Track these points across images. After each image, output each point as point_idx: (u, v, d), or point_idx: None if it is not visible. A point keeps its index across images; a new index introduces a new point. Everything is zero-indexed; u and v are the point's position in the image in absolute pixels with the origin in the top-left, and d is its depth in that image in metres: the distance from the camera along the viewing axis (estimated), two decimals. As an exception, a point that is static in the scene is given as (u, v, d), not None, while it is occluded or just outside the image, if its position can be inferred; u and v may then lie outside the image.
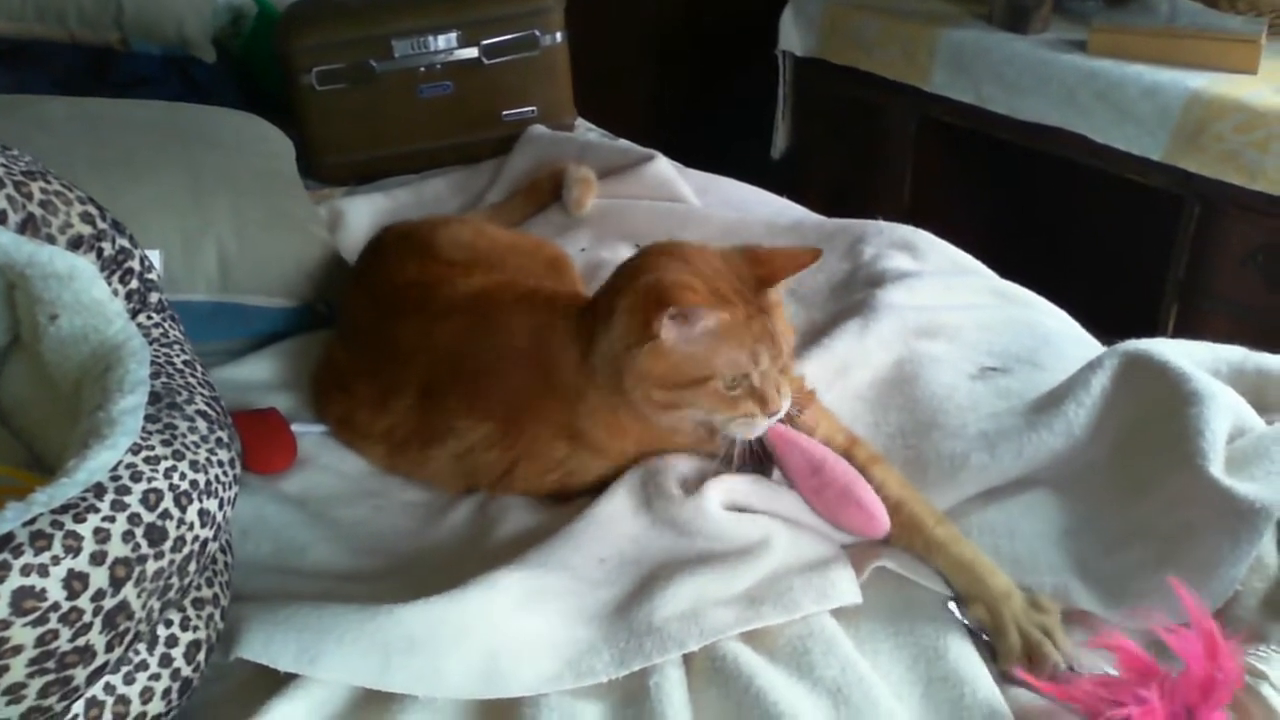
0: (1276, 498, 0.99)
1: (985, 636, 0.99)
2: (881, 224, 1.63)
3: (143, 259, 1.07)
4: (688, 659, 0.95)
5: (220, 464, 0.90)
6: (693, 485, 1.10)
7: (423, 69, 1.94)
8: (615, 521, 1.07)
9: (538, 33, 1.97)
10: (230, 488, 0.91)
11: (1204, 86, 2.15)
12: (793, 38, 2.90)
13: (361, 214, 1.77)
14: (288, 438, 1.23)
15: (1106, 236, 2.73)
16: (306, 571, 1.07)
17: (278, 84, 2.00)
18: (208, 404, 0.96)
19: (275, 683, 0.90)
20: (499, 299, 1.26)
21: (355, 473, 1.24)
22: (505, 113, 2.01)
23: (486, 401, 1.19)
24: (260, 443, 1.20)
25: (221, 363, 1.40)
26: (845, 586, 1.02)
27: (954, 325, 1.38)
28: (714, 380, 1.04)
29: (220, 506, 0.88)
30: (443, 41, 1.93)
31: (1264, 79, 2.17)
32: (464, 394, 1.20)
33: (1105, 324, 1.49)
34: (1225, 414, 1.08)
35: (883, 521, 1.06)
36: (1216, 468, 1.02)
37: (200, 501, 0.84)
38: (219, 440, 0.92)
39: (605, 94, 2.52)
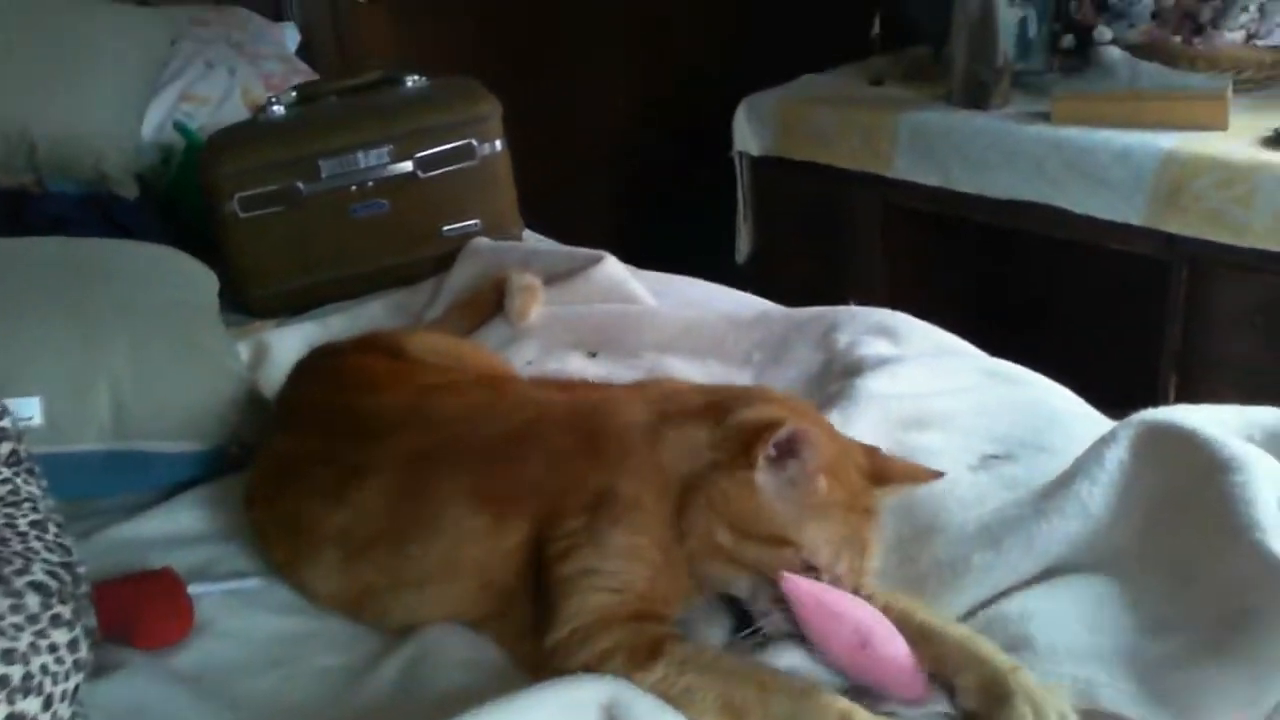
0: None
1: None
2: (855, 309, 1.49)
3: (-7, 407, 0.91)
4: None
5: (53, 649, 0.72)
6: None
7: (354, 188, 1.83)
8: (591, 693, 0.86)
9: (475, 142, 1.86)
10: (68, 678, 0.73)
11: (1177, 146, 2.07)
12: (748, 137, 2.83)
13: (290, 345, 1.62)
14: (183, 603, 1.05)
15: (1096, 309, 2.61)
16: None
17: (205, 217, 1.87)
18: (50, 574, 0.79)
19: None
20: (512, 378, 1.18)
21: (263, 636, 1.05)
22: (446, 228, 1.88)
23: (497, 481, 1.02)
24: (148, 612, 1.03)
25: (119, 519, 1.22)
26: None
27: (946, 412, 1.22)
28: (791, 549, 0.91)
29: (48, 705, 0.70)
30: (373, 158, 1.82)
31: (1235, 134, 2.09)
32: (464, 471, 1.03)
33: (1104, 400, 1.34)
34: (1271, 481, 0.93)
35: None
36: (1277, 542, 0.85)
37: (12, 702, 0.66)
38: (55, 618, 0.74)
39: (556, 207, 2.42)
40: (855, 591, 0.93)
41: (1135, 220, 2.13)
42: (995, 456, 1.15)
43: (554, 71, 3.12)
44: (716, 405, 1.00)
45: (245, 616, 1.08)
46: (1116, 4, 2.50)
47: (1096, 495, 0.97)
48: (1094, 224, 2.19)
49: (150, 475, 1.28)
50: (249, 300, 1.83)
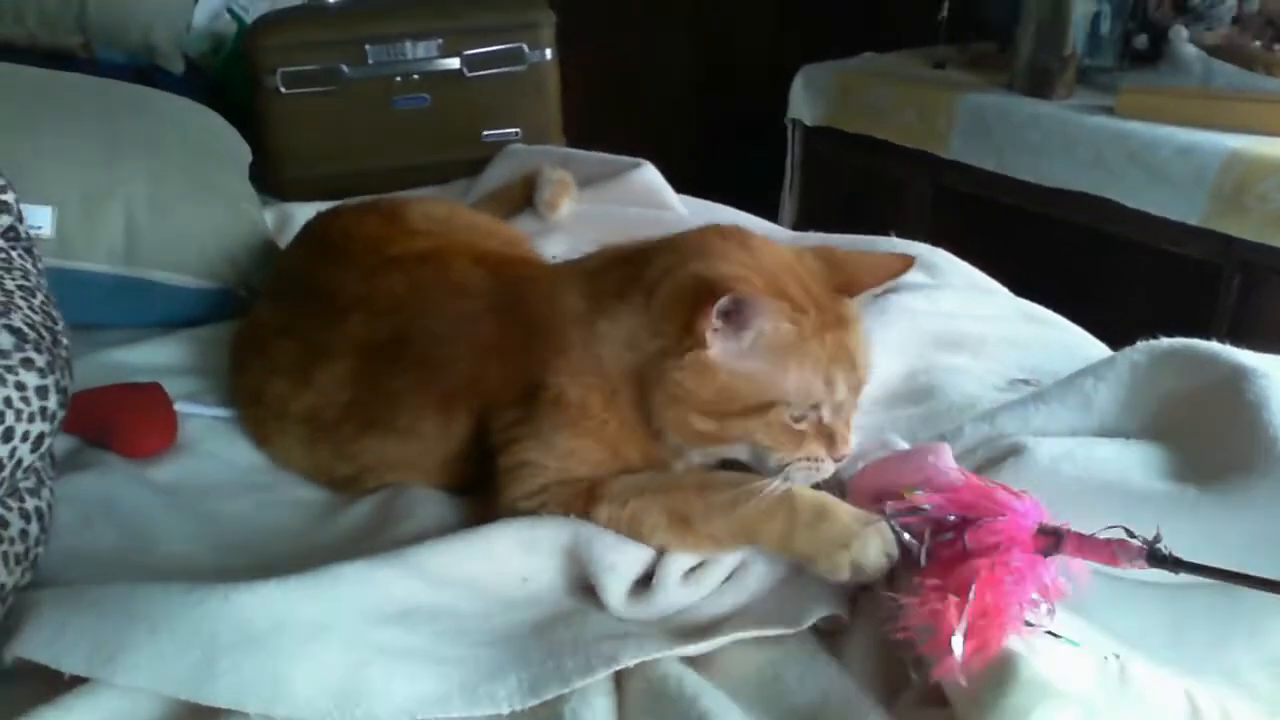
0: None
1: None
2: (895, 240, 1.44)
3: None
4: (621, 686, 0.71)
5: (20, 388, 0.69)
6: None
7: (398, 78, 1.79)
8: (550, 532, 0.84)
9: (525, 47, 1.83)
10: (32, 420, 0.70)
11: (1244, 146, 2.00)
12: (803, 106, 2.78)
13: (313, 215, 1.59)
14: (166, 417, 1.02)
15: (1141, 311, 2.53)
16: (154, 566, 0.84)
17: (247, 92, 1.85)
18: (28, 324, 0.76)
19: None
20: (460, 252, 1.08)
21: (245, 463, 1.02)
22: (486, 132, 1.85)
23: (440, 379, 0.96)
24: (132, 420, 1.00)
25: (117, 344, 1.19)
26: (824, 596, 0.79)
27: (978, 336, 1.18)
28: (779, 408, 0.82)
29: (8, 438, 0.66)
30: (421, 49, 1.79)
31: (1307, 142, 2.02)
32: (410, 367, 0.98)
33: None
34: None
35: None
36: None
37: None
38: (26, 362, 0.71)
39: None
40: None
41: (1193, 220, 2.05)
42: (1024, 381, 1.09)
43: (625, 25, 3.08)
44: (642, 277, 0.88)
45: (230, 442, 1.05)
46: (1198, 6, 2.43)
47: (1102, 391, 0.94)
48: (1150, 221, 2.12)
49: (157, 307, 1.26)
50: (284, 181, 1.80)
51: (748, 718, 0.66)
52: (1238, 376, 0.91)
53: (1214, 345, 0.97)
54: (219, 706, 0.65)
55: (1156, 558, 0.71)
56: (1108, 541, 0.72)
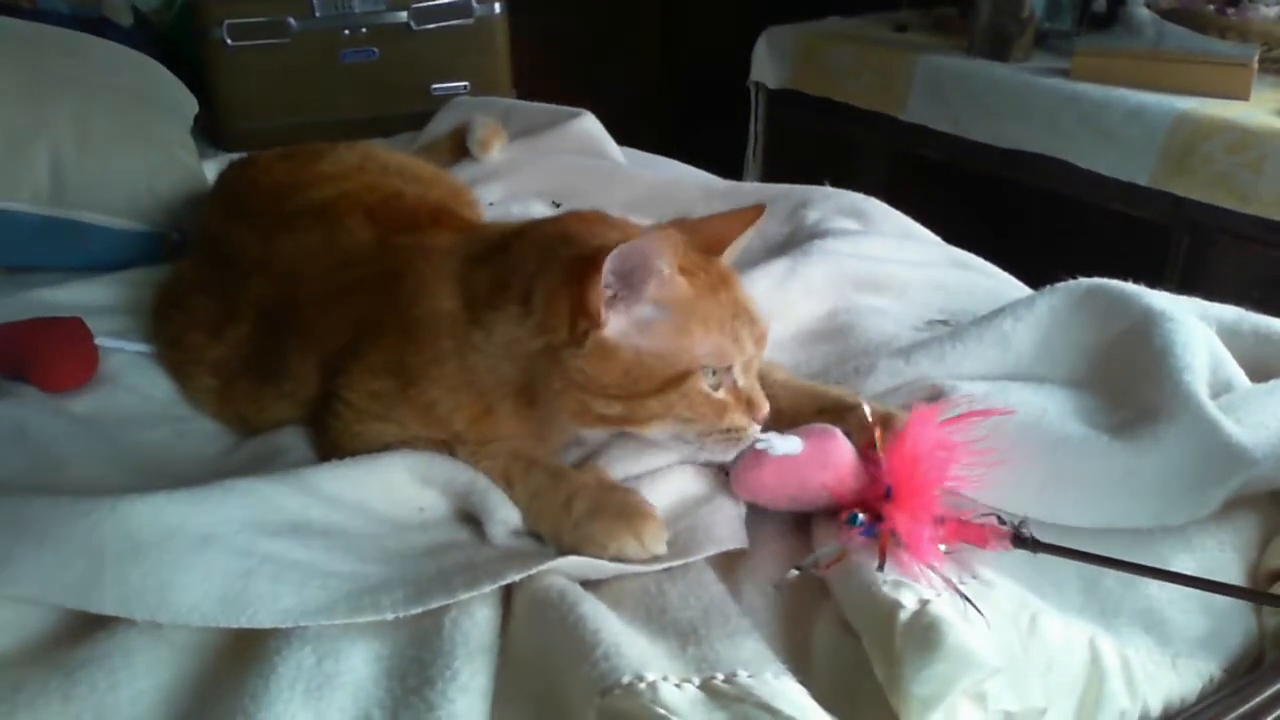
0: (1260, 448, 0.80)
1: None
2: (829, 189, 1.46)
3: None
4: (509, 600, 0.72)
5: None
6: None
7: (346, 31, 1.79)
8: (444, 472, 0.83)
9: (474, 1, 1.82)
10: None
11: (1193, 108, 2.01)
12: (766, 68, 2.78)
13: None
14: (86, 351, 1.02)
15: (1093, 270, 2.56)
16: (61, 488, 0.84)
17: (194, 45, 1.84)
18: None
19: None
20: (358, 207, 1.05)
21: (164, 396, 1.03)
22: (435, 86, 1.85)
23: (316, 342, 0.95)
24: (48, 354, 1.00)
25: (45, 284, 1.20)
26: (722, 532, 0.79)
27: (902, 280, 1.19)
28: (695, 376, 0.78)
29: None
30: (370, 2, 1.78)
31: (1255, 105, 2.03)
32: (295, 333, 0.97)
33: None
34: (1202, 336, 0.91)
35: None
36: (1201, 388, 0.81)
37: None
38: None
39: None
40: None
41: (1142, 180, 2.07)
42: (943, 323, 1.11)
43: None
44: (510, 283, 0.84)
45: (151, 379, 1.05)
46: (1155, -31, 2.45)
47: (1020, 331, 0.95)
48: (1101, 182, 2.14)
49: (84, 250, 1.25)
50: (229, 134, 1.80)
51: (625, 626, 0.68)
52: (1148, 320, 0.92)
53: (1128, 287, 0.99)
54: (106, 614, 0.66)
55: (1020, 540, 0.75)
56: (981, 527, 0.75)
